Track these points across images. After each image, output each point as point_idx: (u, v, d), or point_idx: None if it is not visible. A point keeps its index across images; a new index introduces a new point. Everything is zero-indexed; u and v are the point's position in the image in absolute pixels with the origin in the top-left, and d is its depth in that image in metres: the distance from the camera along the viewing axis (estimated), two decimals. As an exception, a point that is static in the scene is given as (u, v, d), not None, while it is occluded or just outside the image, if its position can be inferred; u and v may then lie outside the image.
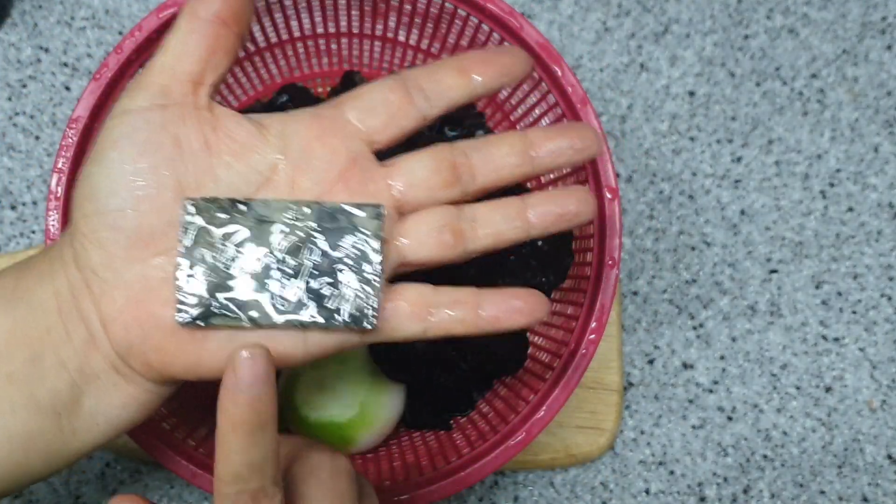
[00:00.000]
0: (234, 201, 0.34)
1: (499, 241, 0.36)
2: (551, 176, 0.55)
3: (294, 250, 0.34)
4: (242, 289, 0.34)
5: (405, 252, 0.36)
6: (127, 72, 0.50)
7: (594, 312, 0.48)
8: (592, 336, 0.47)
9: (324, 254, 0.34)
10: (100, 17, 0.69)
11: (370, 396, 0.50)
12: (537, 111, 0.54)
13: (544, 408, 0.47)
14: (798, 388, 0.64)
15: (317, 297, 0.34)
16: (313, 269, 0.34)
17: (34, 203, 0.65)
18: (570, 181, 0.53)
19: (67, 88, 0.67)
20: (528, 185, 0.58)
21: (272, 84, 0.61)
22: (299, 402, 0.51)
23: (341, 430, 0.50)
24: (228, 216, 0.34)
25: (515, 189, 0.55)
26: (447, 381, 0.54)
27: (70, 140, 0.49)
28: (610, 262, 0.48)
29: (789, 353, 0.64)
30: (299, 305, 0.34)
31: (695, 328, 0.64)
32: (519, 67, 0.37)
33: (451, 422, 0.54)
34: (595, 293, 0.48)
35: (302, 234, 0.34)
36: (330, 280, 0.34)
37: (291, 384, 0.51)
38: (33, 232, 0.65)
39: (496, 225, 0.36)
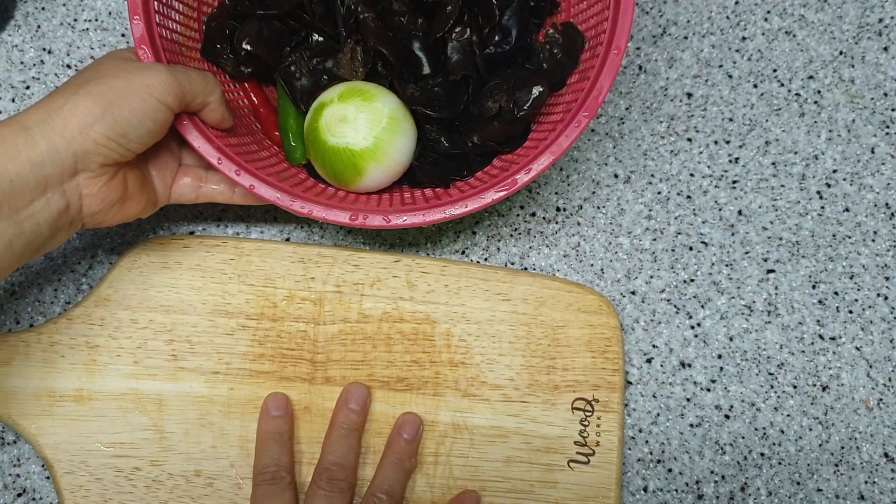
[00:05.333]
0: None
1: None
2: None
3: None
4: None
5: None
6: (130, 72, 0.51)
7: (592, 92, 0.51)
8: (586, 113, 0.51)
9: None
10: (102, 18, 0.69)
11: (385, 135, 0.56)
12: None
13: (533, 165, 0.51)
14: (795, 386, 0.64)
15: None
16: None
17: (37, 203, 0.66)
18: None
19: (70, 90, 0.68)
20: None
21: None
22: (322, 129, 0.56)
23: (354, 158, 0.55)
24: None
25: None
26: (455, 148, 0.58)
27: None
28: (615, 52, 0.51)
29: (786, 352, 0.64)
30: None
31: (692, 327, 0.65)
32: None
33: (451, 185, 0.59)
34: (597, 77, 0.51)
35: None
36: None
37: (318, 112, 0.56)
38: (37, 232, 0.65)
39: None
